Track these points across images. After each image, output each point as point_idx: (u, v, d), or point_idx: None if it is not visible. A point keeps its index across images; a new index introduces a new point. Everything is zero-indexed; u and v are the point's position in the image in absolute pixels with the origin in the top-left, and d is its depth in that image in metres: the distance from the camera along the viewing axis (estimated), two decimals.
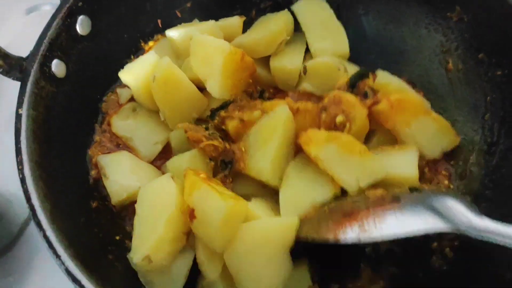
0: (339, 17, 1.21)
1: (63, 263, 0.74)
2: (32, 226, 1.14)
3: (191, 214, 0.83)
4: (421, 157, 1.02)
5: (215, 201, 0.82)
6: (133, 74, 1.05)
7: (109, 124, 1.09)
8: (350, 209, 0.84)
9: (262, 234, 0.85)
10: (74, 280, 0.73)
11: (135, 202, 0.90)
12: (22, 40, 1.13)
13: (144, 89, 1.04)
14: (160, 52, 1.09)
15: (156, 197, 0.88)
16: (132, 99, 1.11)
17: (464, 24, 1.08)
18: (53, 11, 1.38)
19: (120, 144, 1.07)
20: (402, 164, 0.97)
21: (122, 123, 1.08)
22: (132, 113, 1.10)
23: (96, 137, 1.06)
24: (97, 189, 0.99)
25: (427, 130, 1.02)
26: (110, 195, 0.98)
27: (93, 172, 1.00)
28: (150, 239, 0.83)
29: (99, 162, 1.01)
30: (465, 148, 1.06)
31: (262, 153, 0.93)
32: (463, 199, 0.78)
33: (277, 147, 0.93)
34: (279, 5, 1.23)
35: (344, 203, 0.88)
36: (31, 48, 0.94)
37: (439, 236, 0.97)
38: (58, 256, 0.75)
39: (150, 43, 1.18)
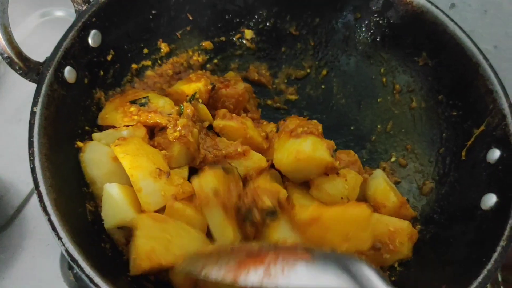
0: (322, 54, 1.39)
1: (63, 245, 0.84)
2: (26, 210, 1.28)
3: None
4: None
5: None
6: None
7: None
8: (256, 250, 0.80)
9: None
10: (73, 260, 0.83)
11: None
12: (35, 41, 1.24)
13: None
14: None
15: None
16: None
17: (428, 68, 1.24)
18: (65, 16, 1.54)
19: None
20: None
21: None
22: None
23: None
24: None
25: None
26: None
27: None
28: None
29: None
30: (422, 177, 1.22)
31: None
32: (376, 269, 0.76)
33: None
34: (277, 29, 1.38)
35: (250, 245, 0.87)
36: (43, 49, 1.03)
37: None
38: (60, 238, 0.85)
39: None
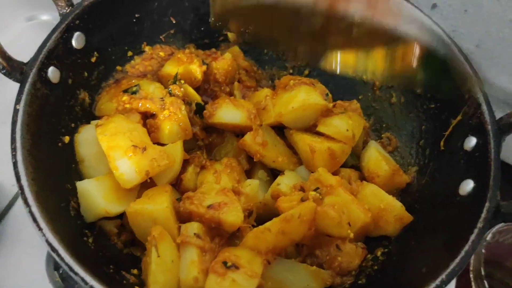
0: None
1: (44, 235, 0.85)
2: (12, 212, 1.29)
3: None
4: None
5: None
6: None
7: None
8: None
9: None
10: (53, 249, 0.85)
11: None
12: (20, 44, 1.26)
13: None
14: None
15: None
16: None
17: None
18: (50, 20, 1.56)
19: None
20: None
21: None
22: None
23: None
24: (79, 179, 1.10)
25: None
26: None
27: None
28: None
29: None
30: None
31: None
32: None
33: None
34: None
35: None
36: (29, 52, 1.05)
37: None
38: (40, 229, 0.86)
39: None
